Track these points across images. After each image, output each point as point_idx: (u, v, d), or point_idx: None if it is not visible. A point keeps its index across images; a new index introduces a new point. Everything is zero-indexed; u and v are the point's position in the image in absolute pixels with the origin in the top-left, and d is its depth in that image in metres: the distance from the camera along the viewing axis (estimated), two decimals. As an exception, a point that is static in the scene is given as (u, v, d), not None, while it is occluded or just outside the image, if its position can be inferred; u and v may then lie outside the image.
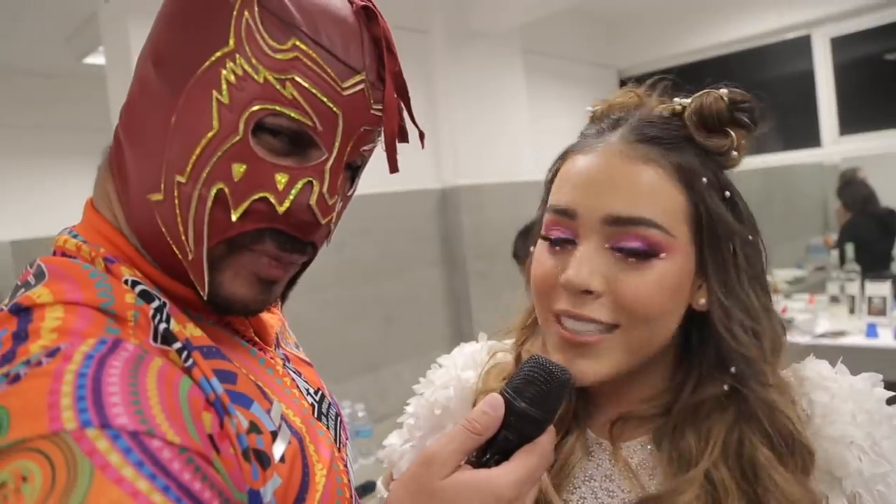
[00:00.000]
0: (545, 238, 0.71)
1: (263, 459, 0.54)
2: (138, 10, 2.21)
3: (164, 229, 0.56)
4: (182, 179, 0.55)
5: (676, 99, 0.73)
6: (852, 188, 4.44)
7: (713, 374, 0.70)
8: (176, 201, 0.55)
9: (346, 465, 0.68)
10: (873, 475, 0.63)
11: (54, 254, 0.59)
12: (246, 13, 0.55)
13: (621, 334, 0.66)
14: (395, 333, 2.90)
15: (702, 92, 0.72)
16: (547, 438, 0.59)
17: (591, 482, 0.73)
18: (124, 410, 0.43)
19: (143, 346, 0.50)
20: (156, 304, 0.56)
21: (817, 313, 3.43)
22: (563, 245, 0.69)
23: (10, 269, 3.28)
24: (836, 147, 3.70)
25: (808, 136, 3.77)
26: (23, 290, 0.53)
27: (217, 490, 0.45)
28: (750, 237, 0.70)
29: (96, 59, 3.26)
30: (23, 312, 0.50)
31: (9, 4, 3.02)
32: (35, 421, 0.41)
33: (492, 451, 0.58)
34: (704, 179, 0.67)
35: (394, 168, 0.65)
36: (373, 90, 0.60)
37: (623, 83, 4.55)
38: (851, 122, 3.64)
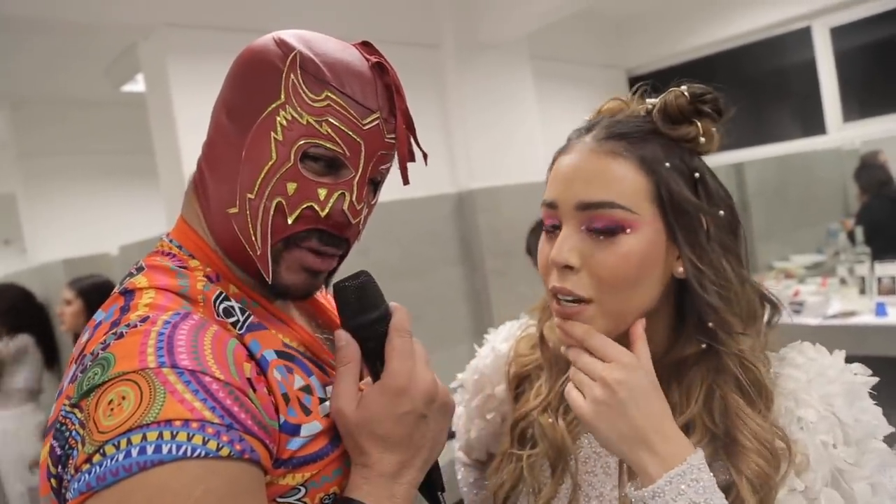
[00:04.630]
0: (544, 228, 0.84)
1: (305, 409, 0.72)
2: (175, 45, 2.44)
3: (239, 234, 0.75)
4: (252, 196, 0.74)
5: (649, 100, 0.85)
6: (868, 171, 4.48)
7: (694, 334, 0.80)
8: (248, 212, 0.74)
9: None
10: (816, 425, 0.73)
11: (157, 250, 0.80)
12: (292, 75, 0.74)
13: (596, 306, 0.77)
14: (421, 330, 2.96)
15: (667, 91, 0.82)
16: (392, 325, 0.75)
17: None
18: (187, 356, 0.62)
19: (205, 318, 0.70)
20: (222, 295, 0.76)
21: (829, 295, 3.51)
22: (553, 231, 0.81)
23: (63, 286, 3.49)
24: (840, 134, 3.77)
25: (814, 123, 3.85)
26: (128, 277, 0.75)
27: (251, 413, 0.63)
28: (721, 213, 0.80)
29: (133, 87, 3.48)
30: (128, 294, 0.72)
31: (52, 39, 3.26)
32: (130, 361, 0.60)
33: (374, 362, 0.75)
34: (667, 164, 0.78)
35: (406, 181, 0.82)
36: (386, 124, 0.78)
37: (632, 82, 4.67)
38: (855, 108, 3.71)
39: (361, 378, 0.76)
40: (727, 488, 0.73)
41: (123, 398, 0.58)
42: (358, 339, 0.76)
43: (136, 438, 0.56)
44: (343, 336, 0.76)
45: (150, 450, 0.56)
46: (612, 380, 0.73)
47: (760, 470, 0.72)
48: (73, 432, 0.61)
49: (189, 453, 0.57)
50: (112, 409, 0.58)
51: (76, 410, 0.61)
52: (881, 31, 3.57)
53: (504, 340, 1.05)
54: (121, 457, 0.56)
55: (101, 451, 0.57)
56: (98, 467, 0.56)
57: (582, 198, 0.77)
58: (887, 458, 0.73)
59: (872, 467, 0.71)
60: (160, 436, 0.57)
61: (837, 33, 3.70)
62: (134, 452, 0.56)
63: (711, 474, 0.71)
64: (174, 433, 0.57)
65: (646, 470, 0.71)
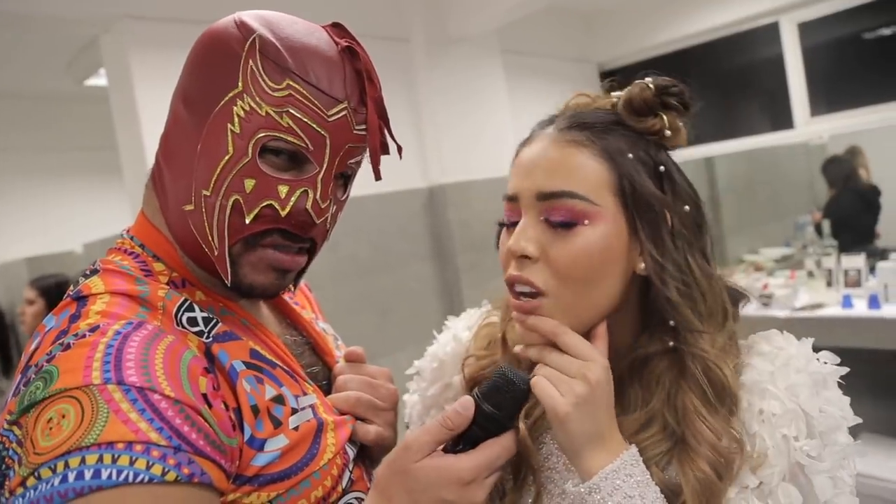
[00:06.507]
0: (504, 224, 0.82)
1: (275, 421, 0.69)
2: (137, 37, 2.38)
3: (195, 232, 0.71)
4: (207, 193, 0.69)
5: (614, 93, 0.83)
6: (835, 165, 4.55)
7: (659, 332, 0.78)
8: (203, 210, 0.69)
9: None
10: (779, 418, 0.71)
11: (117, 248, 0.75)
12: (251, 61, 0.68)
13: (552, 301, 0.74)
14: (391, 325, 3.02)
15: (633, 83, 0.80)
16: (507, 436, 0.71)
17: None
18: (135, 372, 0.58)
19: (161, 328, 0.65)
20: (186, 302, 0.72)
21: (797, 288, 3.55)
22: (513, 226, 0.78)
23: (26, 285, 3.41)
24: (807, 128, 3.81)
25: (782, 118, 3.88)
26: (83, 279, 0.70)
27: (203, 433, 0.59)
28: (686, 208, 0.78)
29: (97, 80, 3.41)
30: (82, 300, 0.67)
31: (11, 32, 3.17)
32: (74, 376, 0.57)
33: (463, 442, 0.71)
34: (631, 156, 0.76)
35: (378, 177, 0.76)
36: (355, 115, 0.72)
37: (603, 76, 4.70)
38: (823, 103, 3.75)
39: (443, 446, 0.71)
40: (677, 491, 0.72)
41: (63, 416, 0.55)
42: (473, 418, 0.71)
43: (74, 462, 0.53)
44: (466, 407, 0.70)
45: (88, 474, 0.52)
46: (594, 379, 0.71)
47: (706, 477, 0.70)
48: (11, 451, 0.57)
49: (131, 479, 0.53)
50: (51, 429, 0.54)
51: (14, 427, 0.57)
52: (847, 26, 3.61)
53: (466, 328, 1.01)
54: (57, 481, 0.52)
55: (37, 474, 0.53)
56: (32, 492, 0.52)
57: (541, 187, 0.75)
58: (848, 452, 0.72)
59: (834, 460, 0.70)
60: (100, 459, 0.53)
61: (805, 29, 3.72)
62: (71, 477, 0.52)
63: (645, 469, 0.71)
64: (115, 457, 0.54)
65: (588, 465, 0.70)
